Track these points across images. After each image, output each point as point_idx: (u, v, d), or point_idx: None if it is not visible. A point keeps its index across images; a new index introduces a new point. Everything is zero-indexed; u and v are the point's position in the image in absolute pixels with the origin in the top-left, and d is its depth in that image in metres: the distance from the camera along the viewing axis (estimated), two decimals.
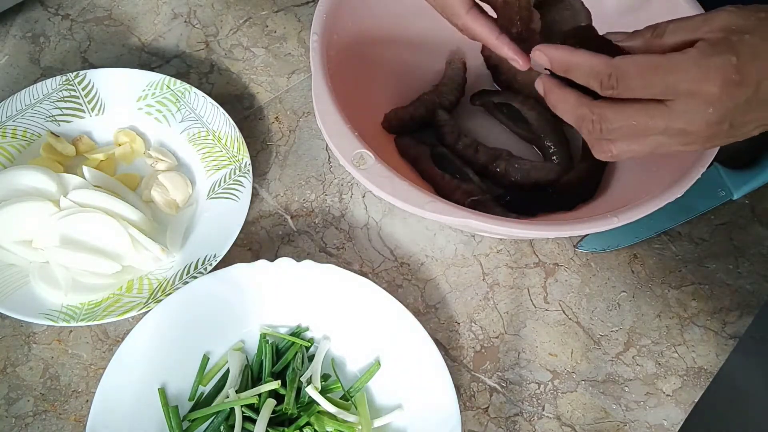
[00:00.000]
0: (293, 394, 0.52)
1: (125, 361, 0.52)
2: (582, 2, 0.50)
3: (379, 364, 0.55)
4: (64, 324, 0.54)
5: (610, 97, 0.39)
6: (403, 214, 0.65)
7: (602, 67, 0.38)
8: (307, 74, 0.73)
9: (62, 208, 0.58)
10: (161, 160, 0.63)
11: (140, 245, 0.58)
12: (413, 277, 0.62)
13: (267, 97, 0.71)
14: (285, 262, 0.56)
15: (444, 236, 0.64)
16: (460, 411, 0.52)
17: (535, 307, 0.61)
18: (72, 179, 0.60)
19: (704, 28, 0.38)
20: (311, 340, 0.56)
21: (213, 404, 0.53)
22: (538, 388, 0.57)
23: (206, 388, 0.54)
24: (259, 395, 0.52)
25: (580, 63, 0.40)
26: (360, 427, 0.52)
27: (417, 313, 0.58)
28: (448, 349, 0.59)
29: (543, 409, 0.56)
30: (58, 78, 0.66)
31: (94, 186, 0.60)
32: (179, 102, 0.66)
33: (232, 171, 0.63)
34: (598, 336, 0.60)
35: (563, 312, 0.61)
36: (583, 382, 0.58)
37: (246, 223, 0.60)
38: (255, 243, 0.63)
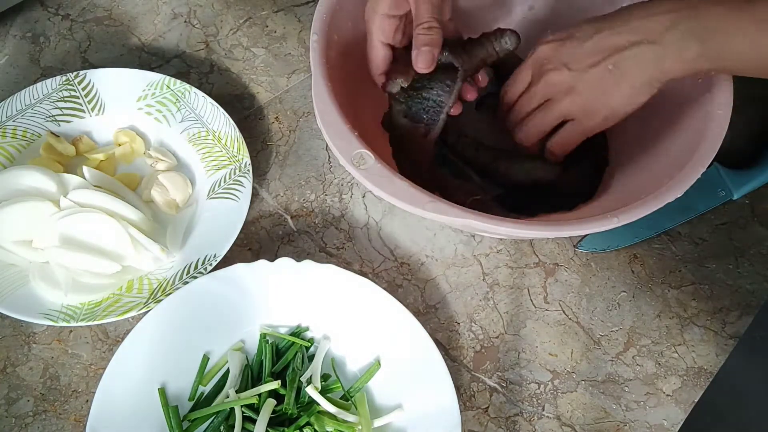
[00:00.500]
0: (293, 394, 0.52)
1: (125, 361, 0.52)
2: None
3: (379, 364, 0.55)
4: (64, 324, 0.54)
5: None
6: (403, 214, 0.65)
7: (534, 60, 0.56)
8: (307, 74, 0.73)
9: (62, 208, 0.58)
10: (161, 160, 0.63)
11: (140, 245, 0.58)
12: (413, 277, 0.62)
13: (267, 97, 0.71)
14: (285, 262, 0.56)
15: (444, 236, 0.64)
16: (460, 411, 0.52)
17: (535, 307, 0.61)
18: (72, 179, 0.60)
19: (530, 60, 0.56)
20: (311, 340, 0.56)
21: (213, 404, 0.53)
22: (538, 388, 0.57)
23: (206, 388, 0.54)
24: (259, 395, 0.52)
25: (517, 74, 0.58)
26: (360, 427, 0.52)
27: (417, 313, 0.58)
28: (448, 349, 0.59)
29: (543, 409, 0.56)
30: (58, 78, 0.66)
31: (94, 186, 0.60)
32: (179, 102, 0.66)
33: (232, 171, 0.63)
34: (598, 336, 0.60)
35: (563, 312, 0.61)
36: (583, 382, 0.58)
37: (246, 223, 0.60)
38: (255, 243, 0.63)
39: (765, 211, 0.66)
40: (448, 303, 0.61)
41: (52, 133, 0.63)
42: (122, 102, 0.66)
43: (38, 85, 0.65)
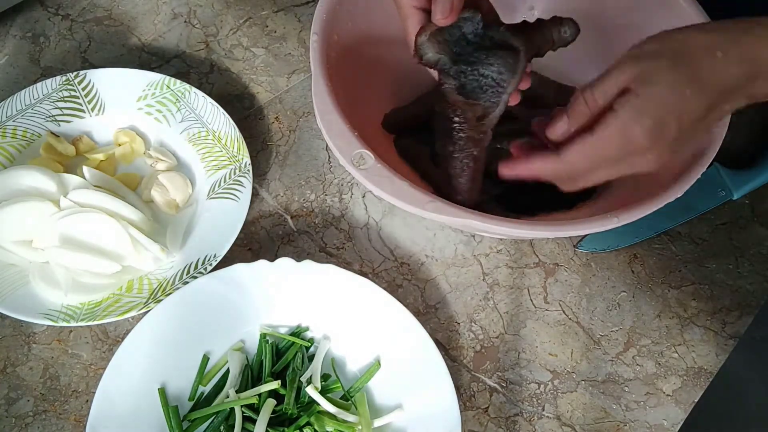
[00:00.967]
0: (293, 394, 0.52)
1: (125, 361, 0.52)
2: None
3: (379, 364, 0.55)
4: (64, 324, 0.54)
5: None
6: (403, 214, 0.65)
7: (559, 170, 0.46)
8: (307, 74, 0.73)
9: (62, 208, 0.58)
10: (161, 160, 0.63)
11: (140, 245, 0.58)
12: (413, 277, 0.62)
13: (267, 97, 0.71)
14: (285, 262, 0.56)
15: (444, 236, 0.64)
16: (460, 411, 0.52)
17: (535, 307, 0.61)
18: (72, 179, 0.60)
19: (621, 78, 0.42)
20: (311, 340, 0.56)
21: (213, 404, 0.53)
22: (538, 388, 0.57)
23: (206, 388, 0.54)
24: (259, 395, 0.52)
25: (541, 171, 0.47)
26: (360, 427, 0.52)
27: (417, 313, 0.58)
28: (448, 349, 0.59)
29: (543, 409, 0.56)
30: (58, 78, 0.66)
31: (94, 186, 0.60)
32: (179, 102, 0.66)
33: (232, 171, 0.63)
34: (598, 336, 0.60)
35: (563, 312, 0.61)
36: (583, 382, 0.58)
37: (246, 223, 0.60)
38: (255, 243, 0.63)
39: (765, 211, 0.66)
40: (448, 303, 0.61)
41: (52, 133, 0.63)
42: (122, 102, 0.66)
43: (38, 85, 0.65)
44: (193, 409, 0.53)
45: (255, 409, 0.52)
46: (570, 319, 0.60)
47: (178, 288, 0.55)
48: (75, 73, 0.66)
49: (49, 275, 0.56)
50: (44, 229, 0.57)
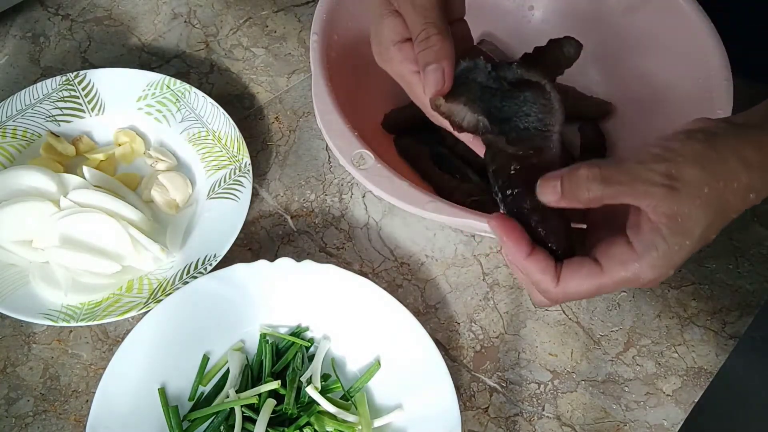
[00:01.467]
0: (293, 394, 0.52)
1: (125, 361, 0.52)
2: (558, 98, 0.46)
3: (379, 364, 0.55)
4: (64, 324, 0.54)
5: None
6: (403, 214, 0.65)
7: (551, 295, 0.39)
8: (307, 74, 0.73)
9: (62, 208, 0.58)
10: (161, 160, 0.63)
11: (140, 245, 0.58)
12: (413, 277, 0.62)
13: (267, 97, 0.71)
14: (285, 262, 0.56)
15: (444, 236, 0.64)
16: (460, 411, 0.52)
17: (535, 307, 0.61)
18: (72, 179, 0.60)
19: (648, 203, 0.36)
20: (311, 340, 0.56)
21: (213, 404, 0.53)
22: (538, 388, 0.57)
23: (206, 388, 0.54)
24: (259, 395, 0.52)
25: (531, 275, 0.39)
26: (360, 427, 0.52)
27: (417, 313, 0.58)
28: (448, 349, 0.59)
29: (543, 409, 0.56)
30: (58, 78, 0.66)
31: (94, 186, 0.60)
32: (179, 102, 0.66)
33: (232, 171, 0.63)
34: (598, 336, 0.60)
35: (563, 312, 0.61)
36: (583, 382, 0.58)
37: (246, 223, 0.60)
38: (255, 243, 0.63)
39: (765, 211, 0.66)
40: (448, 303, 0.61)
41: (52, 133, 0.63)
42: (122, 102, 0.66)
43: (38, 85, 0.65)
44: (193, 409, 0.53)
45: (255, 409, 0.52)
46: (570, 319, 0.60)
47: (178, 288, 0.55)
48: (75, 73, 0.66)
49: (49, 275, 0.56)
50: (44, 229, 0.57)
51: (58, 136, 0.63)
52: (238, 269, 0.56)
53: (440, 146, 0.64)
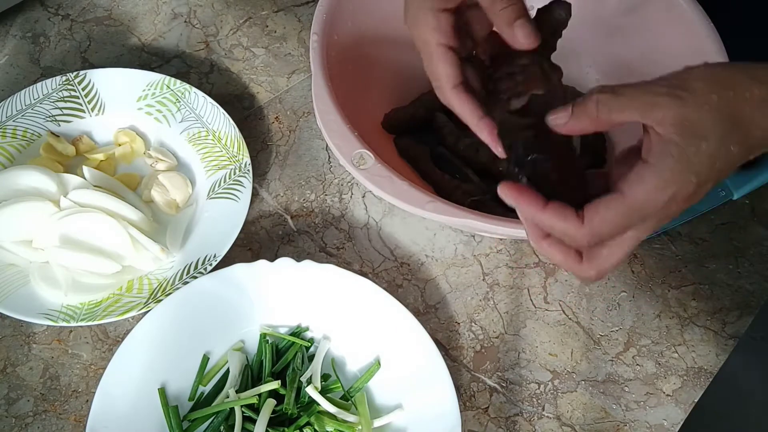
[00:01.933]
0: (293, 394, 0.52)
1: (125, 361, 0.52)
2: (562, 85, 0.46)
3: (379, 364, 0.55)
4: (64, 324, 0.54)
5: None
6: (403, 214, 0.65)
7: (580, 239, 0.38)
8: (307, 74, 0.73)
9: (62, 208, 0.58)
10: (161, 160, 0.63)
11: (140, 245, 0.58)
12: (413, 277, 0.62)
13: (267, 97, 0.71)
14: (285, 262, 0.56)
15: (444, 236, 0.64)
16: (460, 411, 0.52)
17: (535, 307, 0.61)
18: (72, 179, 0.60)
19: (655, 115, 0.36)
20: (311, 340, 0.56)
21: (213, 404, 0.53)
22: (538, 388, 0.57)
23: (206, 388, 0.54)
24: (259, 395, 0.52)
25: (554, 227, 0.38)
26: (360, 427, 0.52)
27: (417, 313, 0.58)
28: (448, 349, 0.59)
29: (543, 409, 0.56)
30: (58, 78, 0.66)
31: (94, 186, 0.60)
32: (179, 102, 0.66)
33: (232, 171, 0.63)
34: (598, 336, 0.60)
35: (563, 312, 0.61)
36: (583, 382, 0.58)
37: (246, 223, 0.60)
38: (255, 243, 0.63)
39: (765, 211, 0.66)
40: (448, 303, 0.61)
41: (52, 133, 0.63)
42: (122, 102, 0.66)
43: (38, 85, 0.65)
44: (193, 409, 0.53)
45: (255, 409, 0.52)
46: (570, 319, 0.60)
47: (178, 288, 0.55)
48: (75, 73, 0.66)
49: (49, 275, 0.56)
50: (44, 229, 0.57)
51: (58, 136, 0.63)
52: (238, 269, 0.56)
53: (440, 146, 0.64)
